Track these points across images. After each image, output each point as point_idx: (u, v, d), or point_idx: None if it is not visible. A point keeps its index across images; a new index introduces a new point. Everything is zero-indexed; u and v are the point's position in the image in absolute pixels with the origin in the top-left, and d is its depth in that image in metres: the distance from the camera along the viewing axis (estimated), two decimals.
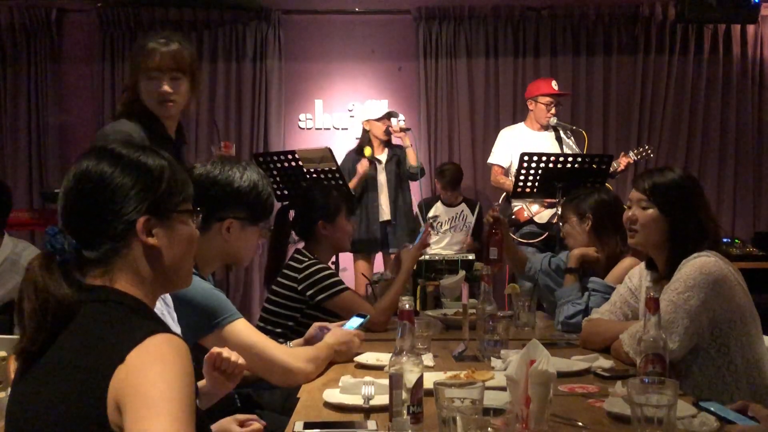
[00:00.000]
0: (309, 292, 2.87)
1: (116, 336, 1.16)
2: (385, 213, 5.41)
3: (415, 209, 5.64)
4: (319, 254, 3.03)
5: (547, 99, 5.26)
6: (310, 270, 2.90)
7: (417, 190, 5.72)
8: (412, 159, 5.36)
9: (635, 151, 5.42)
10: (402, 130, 5.37)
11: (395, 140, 5.52)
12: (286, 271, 2.97)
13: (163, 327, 1.19)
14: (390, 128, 5.38)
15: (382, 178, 5.41)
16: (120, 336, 1.15)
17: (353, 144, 5.78)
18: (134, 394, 1.08)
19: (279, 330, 2.87)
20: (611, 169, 4.71)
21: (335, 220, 3.06)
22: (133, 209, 1.27)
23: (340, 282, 2.91)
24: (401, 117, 5.61)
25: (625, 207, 2.47)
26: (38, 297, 1.21)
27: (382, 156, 5.44)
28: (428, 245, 3.44)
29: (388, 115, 5.45)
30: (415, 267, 3.22)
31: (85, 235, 1.27)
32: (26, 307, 1.21)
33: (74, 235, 1.27)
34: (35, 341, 1.20)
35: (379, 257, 5.54)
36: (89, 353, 1.15)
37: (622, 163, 5.15)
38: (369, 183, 5.37)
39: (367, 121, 5.50)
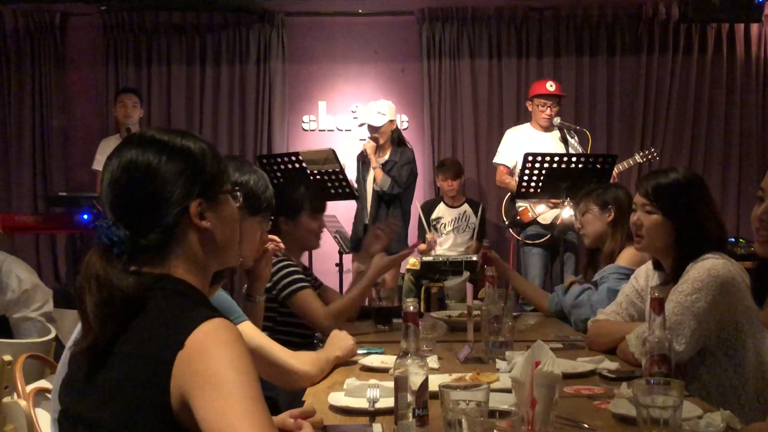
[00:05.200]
0: (274, 291, 2.79)
1: (175, 323, 1.17)
2: (369, 216, 5.36)
3: (414, 216, 5.56)
4: (288, 251, 2.85)
5: (542, 100, 5.28)
6: (275, 267, 2.78)
7: (419, 193, 5.67)
8: (377, 178, 5.19)
9: (640, 154, 5.43)
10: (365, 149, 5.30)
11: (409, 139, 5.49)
12: None
13: (217, 313, 1.20)
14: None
15: (370, 181, 5.36)
16: (178, 323, 1.17)
17: (355, 145, 5.75)
18: (202, 380, 1.10)
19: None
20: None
21: (297, 217, 2.96)
22: (184, 195, 1.28)
23: (301, 280, 2.81)
24: (379, 123, 5.38)
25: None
26: (102, 290, 1.20)
27: (380, 161, 5.40)
28: (406, 258, 3.23)
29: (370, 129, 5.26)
30: (417, 268, 3.15)
31: (139, 224, 1.27)
32: (89, 302, 1.21)
33: (127, 226, 1.26)
34: (104, 334, 1.19)
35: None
36: (152, 342, 1.17)
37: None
38: (361, 185, 5.32)
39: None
